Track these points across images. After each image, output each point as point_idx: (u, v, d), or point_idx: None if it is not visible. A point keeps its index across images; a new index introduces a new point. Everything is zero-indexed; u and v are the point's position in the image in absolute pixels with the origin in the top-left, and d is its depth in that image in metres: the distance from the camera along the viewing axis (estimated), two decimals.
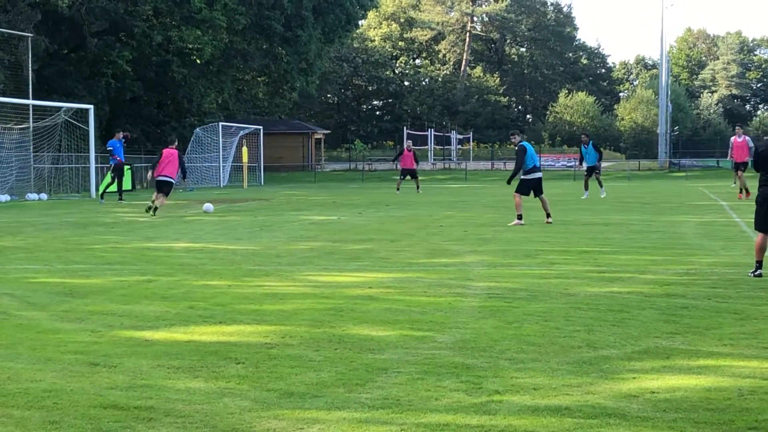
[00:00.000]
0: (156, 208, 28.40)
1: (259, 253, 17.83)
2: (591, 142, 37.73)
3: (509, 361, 8.41)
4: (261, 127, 63.49)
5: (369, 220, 26.62)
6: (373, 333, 9.77)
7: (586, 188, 38.24)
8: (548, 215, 24.34)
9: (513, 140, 25.18)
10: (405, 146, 45.77)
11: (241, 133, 59.66)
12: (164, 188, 28.96)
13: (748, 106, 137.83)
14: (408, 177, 44.16)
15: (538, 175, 24.58)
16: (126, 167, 44.34)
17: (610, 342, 9.19)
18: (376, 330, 9.94)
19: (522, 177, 24.39)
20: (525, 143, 24.65)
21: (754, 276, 13.57)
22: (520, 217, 24.00)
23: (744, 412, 6.72)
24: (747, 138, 32.70)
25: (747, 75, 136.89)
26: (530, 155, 24.52)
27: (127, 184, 45.77)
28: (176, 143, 30.41)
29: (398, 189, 44.56)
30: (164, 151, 29.42)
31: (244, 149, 56.10)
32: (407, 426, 6.48)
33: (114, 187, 39.76)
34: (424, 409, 6.90)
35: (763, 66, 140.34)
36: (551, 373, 7.96)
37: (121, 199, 39.05)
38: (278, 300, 12.09)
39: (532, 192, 24.42)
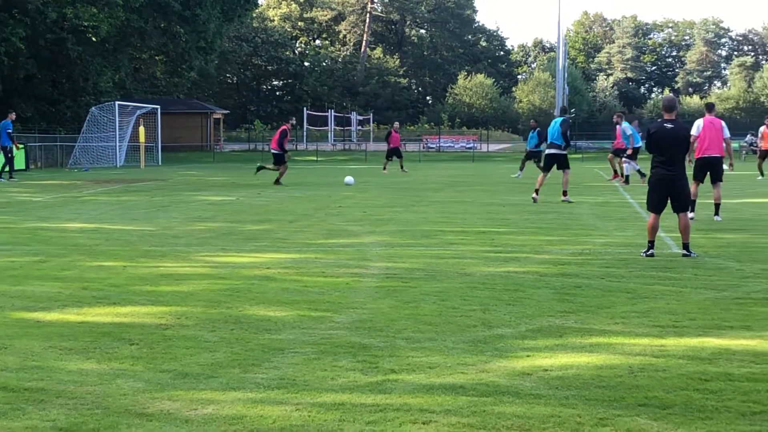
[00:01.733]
0: None
1: (156, 234, 17.65)
2: (537, 128, 38.46)
3: (406, 341, 8.44)
4: (158, 106, 62.67)
5: (268, 200, 26.49)
6: (270, 313, 9.74)
7: (522, 168, 39.26)
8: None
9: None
10: (393, 128, 46.18)
11: (138, 112, 58.84)
12: None
13: (642, 89, 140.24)
14: (394, 157, 44.37)
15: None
16: (20, 146, 43.59)
17: (505, 321, 9.28)
18: (273, 310, 9.91)
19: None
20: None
21: (647, 256, 13.81)
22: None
23: (634, 389, 6.84)
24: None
25: (642, 58, 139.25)
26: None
27: (20, 163, 44.87)
28: None
29: (385, 169, 44.63)
30: None
31: (141, 129, 55.32)
32: (302, 405, 6.47)
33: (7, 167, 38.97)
34: (319, 388, 6.90)
35: (658, 49, 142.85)
36: (447, 352, 8.01)
37: (11, 178, 38.30)
38: (174, 281, 11.98)
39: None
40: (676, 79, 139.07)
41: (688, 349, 8.10)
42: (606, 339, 8.46)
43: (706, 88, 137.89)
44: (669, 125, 13.96)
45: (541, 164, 27.81)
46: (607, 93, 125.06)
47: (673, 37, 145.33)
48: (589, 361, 7.68)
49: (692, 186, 19.57)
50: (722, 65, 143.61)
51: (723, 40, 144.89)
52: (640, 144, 32.90)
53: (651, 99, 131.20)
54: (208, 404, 6.53)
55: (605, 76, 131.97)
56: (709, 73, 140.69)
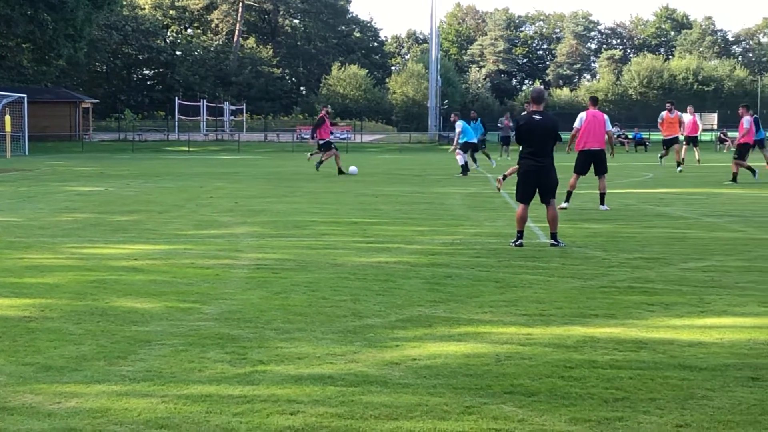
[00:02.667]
0: None
1: (21, 225, 17.25)
2: (479, 118, 38.92)
3: (275, 332, 8.40)
4: (25, 95, 61.29)
5: (137, 191, 26.14)
6: (137, 305, 9.60)
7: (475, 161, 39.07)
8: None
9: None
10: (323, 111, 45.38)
11: (4, 101, 57.46)
12: None
13: (514, 81, 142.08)
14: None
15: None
16: None
17: (375, 311, 9.30)
18: (141, 302, 9.76)
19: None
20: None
21: (515, 246, 13.99)
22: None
23: (501, 377, 6.91)
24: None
25: (514, 51, 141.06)
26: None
27: None
28: None
29: (312, 156, 43.88)
30: None
31: (7, 118, 54.02)
32: (169, 398, 6.39)
33: None
34: (186, 380, 6.82)
35: (529, 42, 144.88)
36: (316, 342, 7.99)
37: None
38: (39, 272, 11.72)
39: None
40: (547, 71, 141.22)
41: (554, 337, 8.22)
42: (474, 328, 8.54)
43: (576, 80, 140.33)
44: (538, 117, 14.14)
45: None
46: (480, 85, 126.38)
47: (544, 30, 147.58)
48: (457, 350, 7.73)
49: (572, 178, 19.96)
50: (591, 58, 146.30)
51: (592, 33, 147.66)
52: (472, 139, 33.80)
53: (522, 91, 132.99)
54: (72, 397, 6.40)
55: (478, 68, 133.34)
56: (579, 65, 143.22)
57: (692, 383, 6.74)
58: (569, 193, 19.84)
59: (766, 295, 10.13)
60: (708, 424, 5.87)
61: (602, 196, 19.91)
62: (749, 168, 28.79)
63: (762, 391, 6.54)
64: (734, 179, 28.36)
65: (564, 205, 19.52)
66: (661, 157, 37.84)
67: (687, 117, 36.68)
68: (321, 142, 34.47)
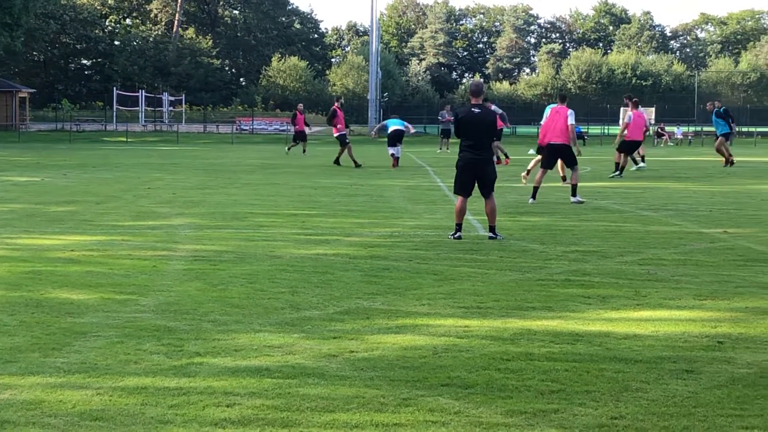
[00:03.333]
0: None
1: None
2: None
3: (212, 324, 8.36)
4: None
5: (74, 181, 25.88)
6: (73, 297, 9.51)
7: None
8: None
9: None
10: (297, 110, 44.67)
11: None
12: None
13: (454, 74, 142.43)
14: (299, 141, 43.27)
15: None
16: None
17: (314, 303, 9.29)
18: (77, 294, 9.67)
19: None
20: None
21: (454, 238, 14.03)
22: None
23: (438, 369, 6.93)
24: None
25: (454, 44, 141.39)
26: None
27: None
28: None
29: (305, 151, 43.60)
30: None
31: None
32: (104, 390, 6.34)
33: None
34: (122, 372, 6.77)
35: (469, 35, 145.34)
36: (253, 334, 7.97)
37: None
38: None
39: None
40: (487, 65, 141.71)
41: (491, 329, 8.25)
42: (412, 320, 8.55)
43: (516, 74, 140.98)
44: (476, 110, 14.18)
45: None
46: (420, 78, 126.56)
47: (484, 24, 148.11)
48: (395, 342, 7.75)
49: (538, 173, 20.05)
50: (531, 52, 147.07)
51: (532, 27, 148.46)
52: (388, 129, 34.04)
53: (462, 84, 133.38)
54: (5, 389, 6.33)
55: (418, 61, 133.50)
56: (518, 59, 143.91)
57: (627, 376, 6.81)
58: (535, 189, 19.91)
59: (700, 288, 10.24)
60: (642, 417, 5.92)
61: (573, 187, 20.02)
62: (617, 165, 28.70)
63: (696, 384, 6.61)
64: (618, 170, 28.27)
65: (531, 201, 19.67)
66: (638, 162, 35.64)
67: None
68: (336, 135, 34.27)
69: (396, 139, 34.15)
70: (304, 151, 43.68)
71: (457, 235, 14.11)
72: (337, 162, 34.07)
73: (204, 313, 8.77)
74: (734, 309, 9.16)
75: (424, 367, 7.00)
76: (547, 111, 20.10)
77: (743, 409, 6.08)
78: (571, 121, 19.98)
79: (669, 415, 5.94)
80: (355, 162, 33.26)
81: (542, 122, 19.99)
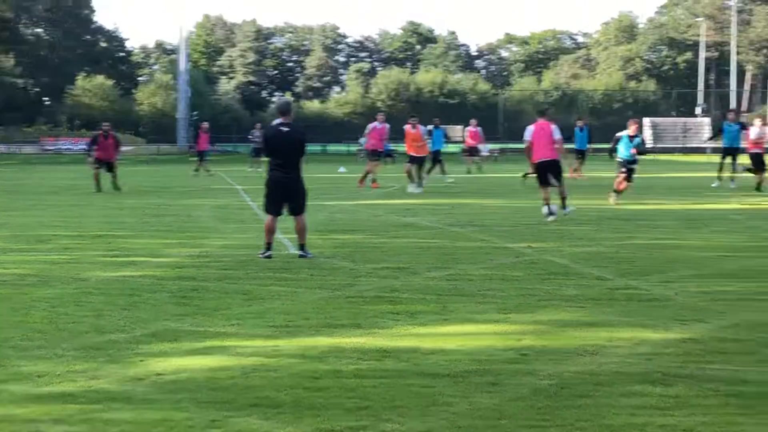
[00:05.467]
0: None
1: None
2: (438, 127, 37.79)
3: (13, 350, 8.11)
4: None
5: None
6: None
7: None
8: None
9: None
10: (201, 128, 43.54)
11: None
12: None
13: (264, 93, 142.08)
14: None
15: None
16: None
17: (120, 326, 9.11)
18: None
19: None
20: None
21: (264, 257, 13.97)
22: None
23: (247, 390, 6.89)
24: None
25: (263, 62, 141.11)
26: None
27: None
28: None
29: (198, 171, 42.46)
30: None
31: None
32: None
33: None
34: None
35: (279, 54, 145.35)
36: (57, 359, 7.76)
37: None
38: None
39: None
40: (297, 83, 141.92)
41: (300, 348, 8.25)
42: (220, 341, 8.47)
43: (326, 92, 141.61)
44: (285, 128, 14.18)
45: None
46: (230, 96, 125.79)
47: (293, 42, 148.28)
48: (203, 363, 7.66)
49: (541, 192, 20.11)
50: (340, 71, 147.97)
51: (341, 46, 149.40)
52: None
53: (273, 103, 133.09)
54: None
55: (228, 80, 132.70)
56: (328, 78, 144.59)
57: (434, 390, 6.90)
58: (546, 200, 20.13)
59: (505, 301, 10.47)
60: (449, 430, 6.01)
61: (563, 199, 20.24)
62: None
63: (500, 396, 6.75)
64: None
65: (551, 218, 19.87)
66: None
67: (469, 129, 38.22)
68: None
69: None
70: (196, 170, 42.94)
71: (267, 254, 14.06)
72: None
73: (4, 339, 8.50)
74: (537, 322, 9.40)
75: (232, 388, 6.94)
76: (531, 128, 20.25)
77: (545, 420, 6.24)
78: (557, 135, 20.27)
79: (474, 428, 6.05)
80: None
81: (527, 140, 20.11)
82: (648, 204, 24.34)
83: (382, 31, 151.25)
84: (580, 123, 39.38)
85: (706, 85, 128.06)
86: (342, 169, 47.77)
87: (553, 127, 20.40)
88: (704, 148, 66.67)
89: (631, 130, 24.20)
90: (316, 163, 54.72)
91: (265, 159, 15.18)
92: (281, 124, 14.26)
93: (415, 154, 30.63)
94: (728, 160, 31.23)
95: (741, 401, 6.64)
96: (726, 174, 31.37)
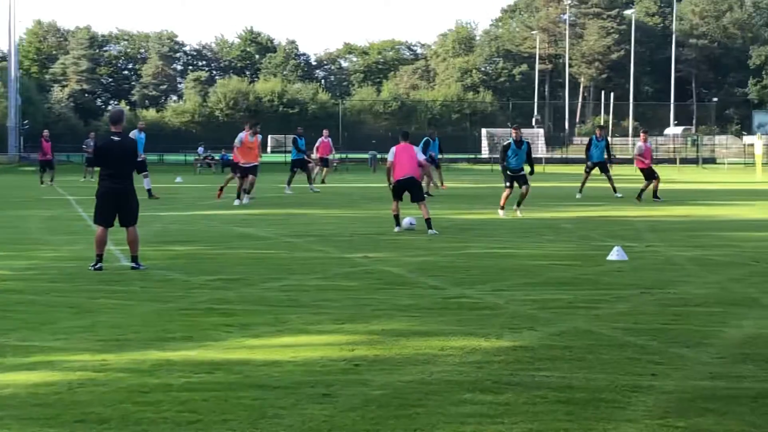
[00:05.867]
0: None
1: None
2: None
3: None
4: None
5: None
6: None
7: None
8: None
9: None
10: (43, 137, 42.16)
11: None
12: None
13: (99, 101, 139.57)
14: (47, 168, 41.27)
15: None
16: None
17: None
18: None
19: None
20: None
21: (95, 269, 13.66)
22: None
23: (72, 406, 6.71)
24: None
25: (98, 70, 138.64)
26: None
27: None
28: None
29: (42, 183, 40.81)
30: None
31: None
32: None
33: None
34: None
35: (114, 62, 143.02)
36: None
37: None
38: None
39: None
40: (133, 91, 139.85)
41: (130, 362, 8.08)
42: (46, 356, 8.24)
43: (163, 101, 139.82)
44: (116, 138, 13.94)
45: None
46: (63, 104, 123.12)
47: (129, 50, 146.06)
48: (27, 379, 7.44)
49: (393, 204, 19.86)
50: (178, 79, 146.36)
51: (178, 54, 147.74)
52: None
53: (108, 111, 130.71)
54: None
55: (61, 88, 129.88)
56: (165, 86, 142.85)
57: (265, 402, 6.83)
58: (396, 217, 19.86)
59: (340, 312, 10.47)
60: None
61: (428, 221, 19.67)
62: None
63: (332, 407, 6.72)
64: None
65: (396, 228, 19.71)
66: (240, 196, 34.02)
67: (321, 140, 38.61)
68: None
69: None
70: (51, 179, 41.72)
71: (97, 266, 13.76)
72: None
73: None
74: (371, 332, 9.41)
75: (57, 404, 6.75)
76: (393, 150, 20.10)
77: (377, 430, 6.24)
78: (420, 157, 20.44)
79: None
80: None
81: (390, 160, 19.97)
82: (484, 214, 24.70)
83: (221, 40, 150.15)
84: (432, 134, 39.79)
85: (541, 97, 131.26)
86: (179, 179, 47.17)
87: (416, 149, 20.60)
88: (540, 159, 68.12)
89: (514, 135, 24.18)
90: (152, 173, 53.86)
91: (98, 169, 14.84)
92: (113, 134, 14.01)
93: (246, 164, 28.59)
94: (596, 171, 31.87)
95: (568, 407, 6.76)
96: (587, 185, 31.87)
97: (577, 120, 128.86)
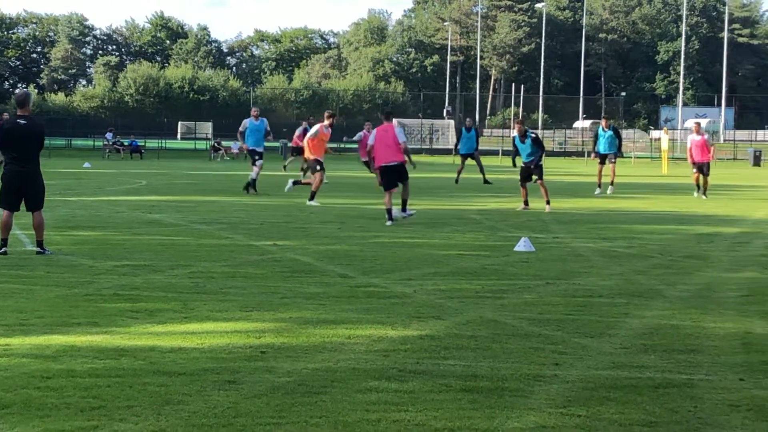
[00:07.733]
0: None
1: None
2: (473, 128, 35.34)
3: None
4: None
5: None
6: None
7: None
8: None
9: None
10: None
11: None
12: None
13: (6, 84, 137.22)
14: None
15: None
16: None
17: None
18: None
19: None
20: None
21: (0, 254, 13.49)
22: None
23: None
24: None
25: (6, 53, 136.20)
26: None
27: None
28: None
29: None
30: None
31: None
32: None
33: None
34: None
35: (22, 45, 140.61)
36: None
37: None
38: None
39: None
40: (42, 75, 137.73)
41: (33, 347, 7.99)
42: None
43: (72, 85, 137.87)
44: (23, 121, 13.74)
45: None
46: None
47: (37, 33, 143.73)
48: None
49: (386, 196, 19.38)
50: (87, 63, 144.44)
51: (88, 38, 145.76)
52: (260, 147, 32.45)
53: (15, 94, 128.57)
54: None
55: None
56: (74, 71, 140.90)
57: (170, 389, 6.81)
58: (389, 211, 19.43)
59: (247, 299, 10.45)
60: (183, 429, 5.94)
61: (404, 202, 19.78)
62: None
63: (237, 394, 6.72)
64: None
65: (388, 223, 19.25)
66: None
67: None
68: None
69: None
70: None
71: (2, 250, 13.56)
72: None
73: None
74: (278, 319, 9.43)
75: None
76: (374, 133, 19.70)
77: (281, 417, 6.25)
78: (401, 138, 19.57)
79: (209, 426, 6.00)
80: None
81: (370, 144, 19.56)
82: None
83: (131, 24, 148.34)
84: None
85: (453, 88, 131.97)
86: (87, 165, 46.62)
87: (398, 129, 19.80)
88: (450, 150, 68.50)
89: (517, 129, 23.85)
90: (60, 158, 53.25)
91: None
92: (19, 117, 13.82)
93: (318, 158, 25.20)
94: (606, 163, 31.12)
95: (472, 396, 6.84)
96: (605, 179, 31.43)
97: (488, 112, 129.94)
